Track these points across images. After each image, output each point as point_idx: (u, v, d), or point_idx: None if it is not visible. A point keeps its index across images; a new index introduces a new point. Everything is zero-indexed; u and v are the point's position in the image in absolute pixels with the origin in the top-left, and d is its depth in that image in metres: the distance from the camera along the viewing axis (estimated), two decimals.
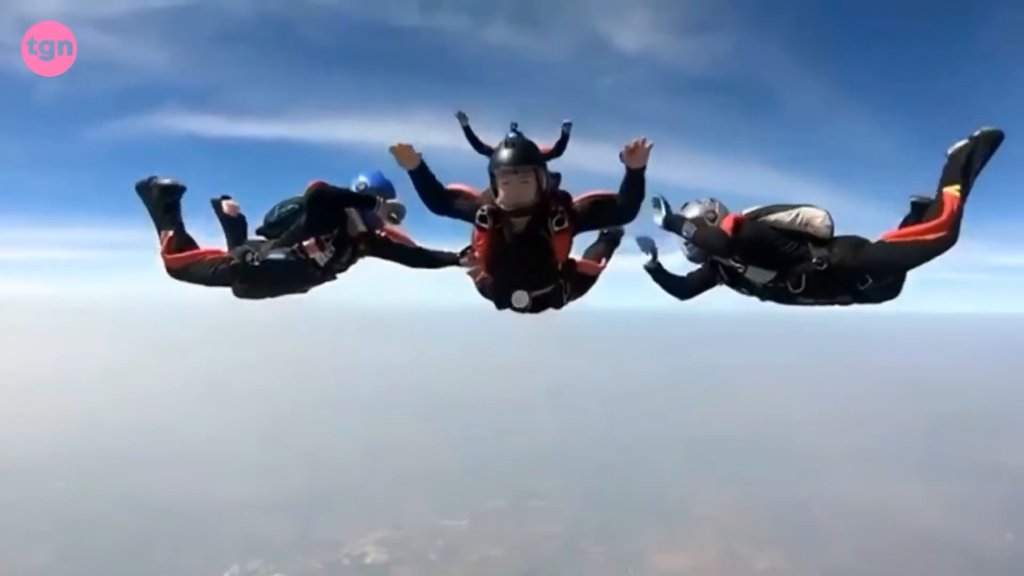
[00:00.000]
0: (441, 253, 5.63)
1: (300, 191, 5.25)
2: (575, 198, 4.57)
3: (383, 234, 5.68)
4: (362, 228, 5.49)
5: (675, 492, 54.34)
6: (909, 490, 55.23)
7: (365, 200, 5.28)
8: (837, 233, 4.96)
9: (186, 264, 5.49)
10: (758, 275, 4.97)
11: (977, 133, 4.59)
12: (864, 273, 4.78)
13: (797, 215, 4.90)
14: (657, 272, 5.55)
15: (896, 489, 55.40)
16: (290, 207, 5.35)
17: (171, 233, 5.55)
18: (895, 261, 4.72)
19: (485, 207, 4.43)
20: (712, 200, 5.11)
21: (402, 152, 4.31)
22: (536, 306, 4.83)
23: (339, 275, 5.69)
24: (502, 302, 4.89)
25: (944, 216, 4.38)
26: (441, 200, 4.55)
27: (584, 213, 4.51)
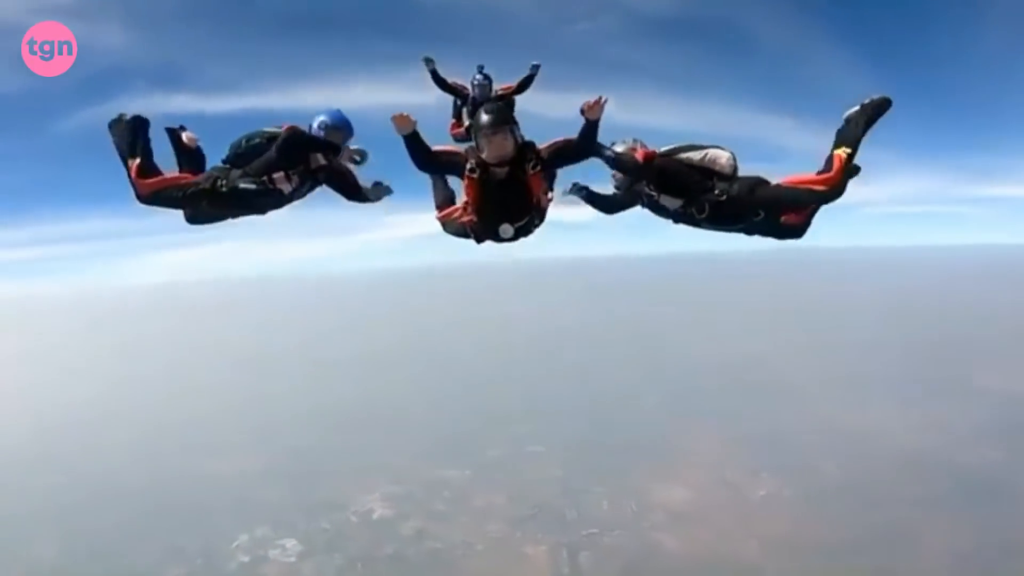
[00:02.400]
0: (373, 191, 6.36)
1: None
2: (540, 145, 5.42)
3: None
4: (323, 162, 6.13)
5: (667, 430, 55.65)
6: (893, 414, 57.23)
7: (331, 147, 5.98)
8: (744, 174, 5.79)
9: (156, 189, 5.83)
10: (668, 201, 5.87)
11: (867, 101, 5.39)
12: (757, 207, 5.64)
13: (705, 154, 5.76)
14: (590, 194, 6.49)
15: (880, 414, 57.40)
16: (256, 140, 5.97)
17: (138, 160, 5.83)
18: (784, 201, 5.62)
19: (473, 160, 5.33)
20: (635, 140, 5.91)
21: (401, 120, 5.12)
22: (516, 235, 5.68)
23: (297, 201, 6.21)
24: (488, 235, 5.75)
25: (833, 172, 5.25)
26: (429, 160, 5.41)
27: (550, 157, 5.42)
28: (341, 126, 6.02)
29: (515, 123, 5.31)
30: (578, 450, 52.38)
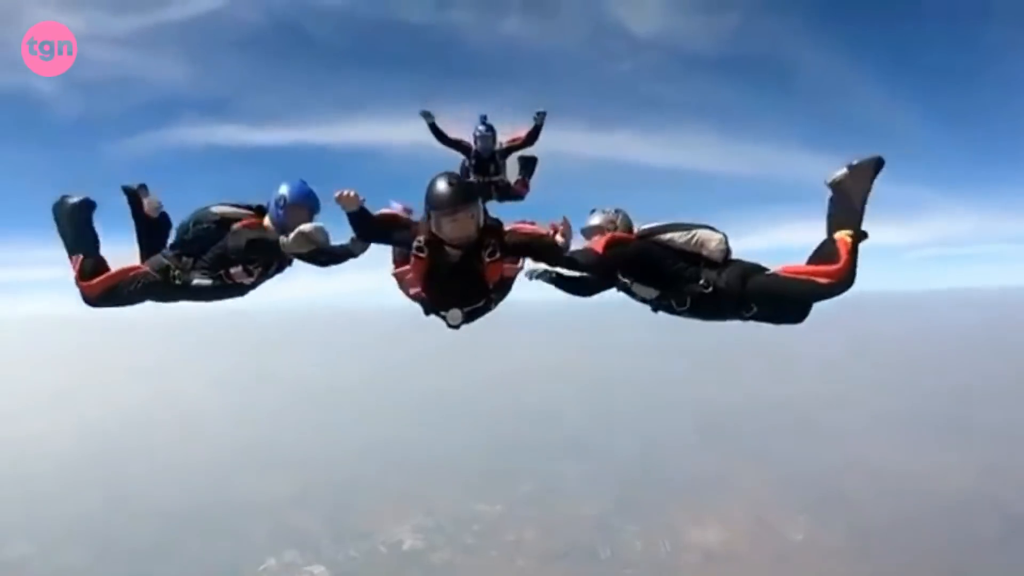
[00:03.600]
0: (342, 248, 5.50)
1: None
2: (506, 227, 4.84)
3: None
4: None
5: (704, 470, 54.45)
6: (939, 456, 54.99)
7: (275, 250, 5.20)
8: (738, 257, 5.07)
9: (104, 289, 5.25)
10: (642, 291, 5.15)
11: (855, 163, 4.71)
12: (749, 301, 4.90)
13: (693, 236, 4.98)
14: (558, 278, 5.80)
15: (926, 456, 55.18)
16: (206, 226, 5.22)
17: (81, 257, 5.26)
18: (782, 295, 4.84)
19: (421, 238, 4.64)
20: (616, 211, 5.31)
21: (347, 200, 4.53)
22: (467, 319, 5.09)
23: (259, 286, 5.56)
24: (435, 314, 5.16)
25: (840, 264, 4.47)
26: (373, 233, 4.88)
27: (513, 248, 4.82)
28: (303, 202, 5.13)
29: (480, 200, 4.67)
30: (613, 488, 51.38)
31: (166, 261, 5.31)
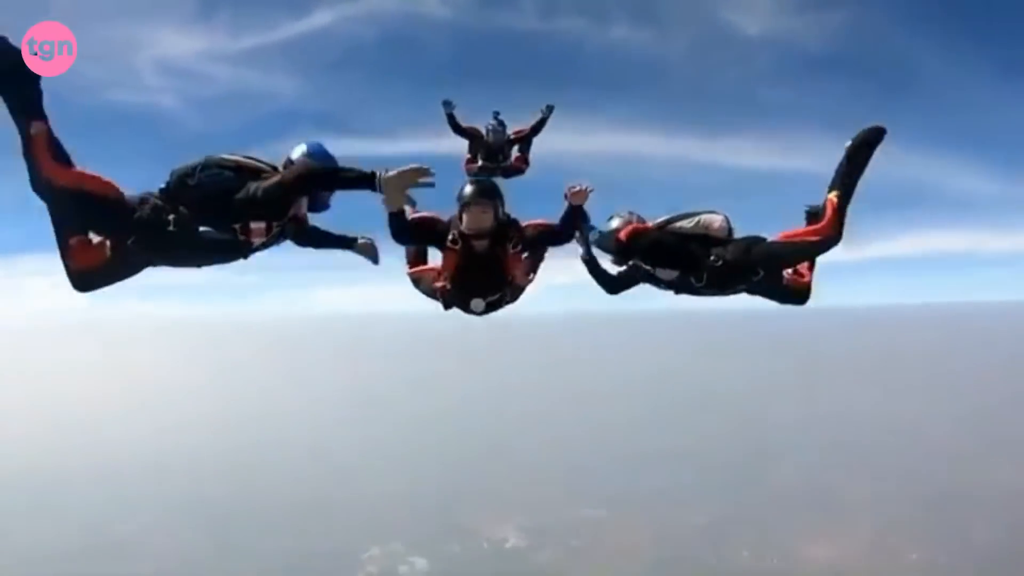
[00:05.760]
0: (343, 237, 5.70)
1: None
2: (523, 223, 5.37)
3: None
4: (302, 212, 5.09)
5: (819, 485, 53.09)
6: None
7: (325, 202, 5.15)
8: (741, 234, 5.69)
9: (82, 183, 4.16)
10: (664, 274, 5.77)
11: (859, 133, 5.19)
12: (755, 266, 5.46)
13: (698, 220, 5.67)
14: (592, 264, 6.32)
15: None
16: (219, 172, 4.51)
17: (46, 127, 4.05)
18: (782, 257, 5.52)
19: (455, 232, 5.22)
20: (631, 212, 5.91)
21: (395, 199, 4.65)
22: (487, 309, 5.60)
23: (260, 252, 4.86)
24: (457, 305, 5.61)
25: (825, 220, 5.13)
26: (411, 232, 5.27)
27: (534, 239, 5.42)
28: (323, 157, 4.98)
29: (500, 199, 5.22)
30: (725, 498, 50.57)
31: (156, 200, 4.40)
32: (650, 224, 5.84)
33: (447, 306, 5.71)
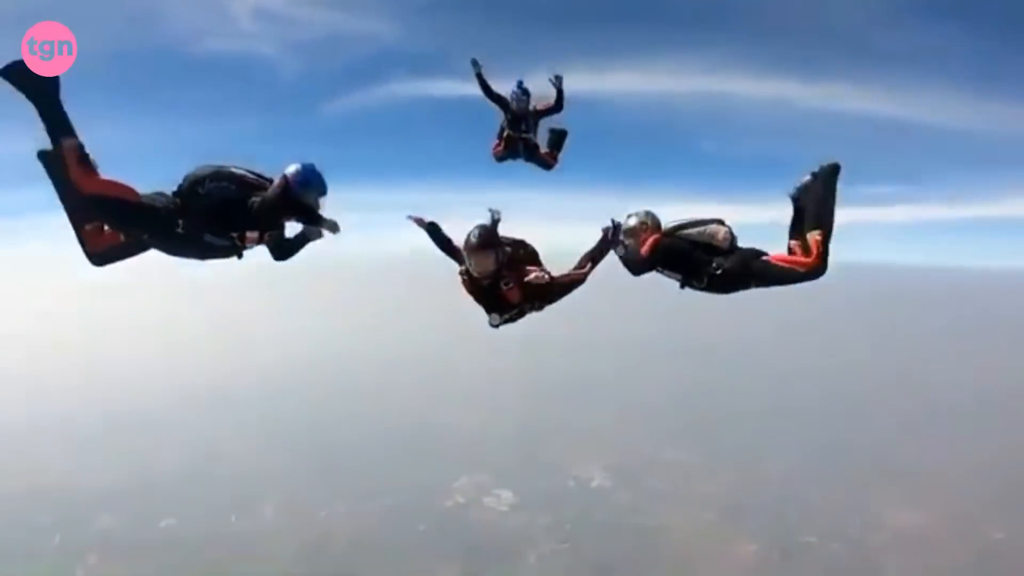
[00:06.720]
0: (304, 231, 5.91)
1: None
2: (527, 276, 6.12)
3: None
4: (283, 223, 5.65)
5: (912, 450, 52.39)
6: None
7: (316, 217, 5.57)
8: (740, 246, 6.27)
9: (106, 191, 4.74)
10: (671, 276, 6.45)
11: (817, 170, 5.98)
12: (750, 279, 6.15)
13: (704, 230, 6.29)
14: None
15: None
16: (226, 185, 5.17)
17: (76, 142, 4.60)
18: (774, 276, 6.06)
19: (463, 268, 6.24)
20: (647, 213, 6.49)
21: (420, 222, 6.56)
22: (505, 321, 6.40)
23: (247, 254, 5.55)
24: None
25: (812, 257, 5.76)
26: (447, 249, 6.51)
27: (532, 291, 6.20)
28: (315, 184, 5.46)
29: (499, 246, 6.01)
30: (813, 456, 50.92)
31: (169, 203, 5.07)
32: (663, 227, 6.49)
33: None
